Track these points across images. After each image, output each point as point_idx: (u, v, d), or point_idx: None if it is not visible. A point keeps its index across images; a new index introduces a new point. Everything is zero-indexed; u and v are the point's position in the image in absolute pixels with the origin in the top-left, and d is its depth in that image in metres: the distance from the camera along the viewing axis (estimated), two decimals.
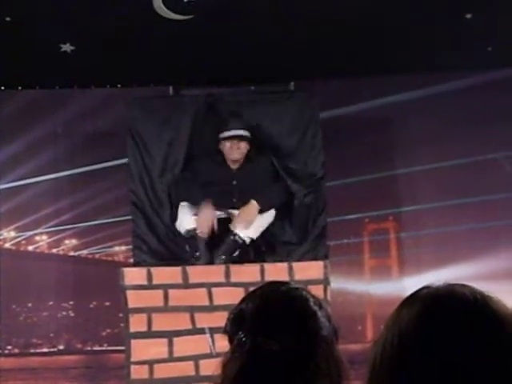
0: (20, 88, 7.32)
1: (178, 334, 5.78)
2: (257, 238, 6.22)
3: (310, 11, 6.31)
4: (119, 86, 7.19)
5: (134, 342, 5.81)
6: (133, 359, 5.79)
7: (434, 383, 1.15)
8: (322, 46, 6.58)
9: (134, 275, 5.89)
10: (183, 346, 5.77)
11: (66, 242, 18.70)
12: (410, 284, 13.00)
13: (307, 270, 5.87)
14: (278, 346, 1.70)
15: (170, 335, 5.78)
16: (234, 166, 6.19)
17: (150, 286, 5.83)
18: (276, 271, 5.82)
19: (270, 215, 6.21)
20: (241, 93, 6.73)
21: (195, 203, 6.06)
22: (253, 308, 1.78)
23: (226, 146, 6.15)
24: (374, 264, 17.06)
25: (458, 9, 6.43)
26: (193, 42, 6.48)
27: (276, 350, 1.70)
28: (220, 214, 6.15)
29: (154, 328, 5.80)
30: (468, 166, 12.41)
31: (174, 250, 6.35)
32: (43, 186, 14.77)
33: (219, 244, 6.07)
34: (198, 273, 5.87)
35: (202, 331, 5.73)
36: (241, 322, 1.77)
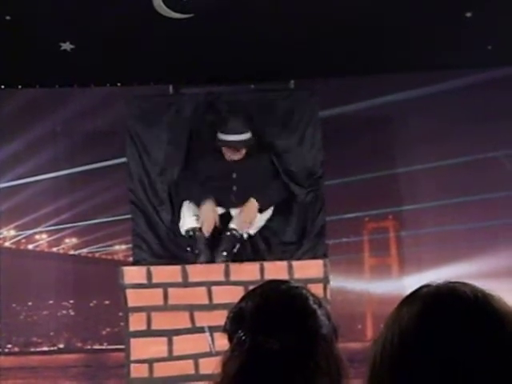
0: (20, 87, 7.32)
1: (178, 332, 5.79)
2: (256, 237, 6.22)
3: (310, 11, 6.31)
4: (119, 84, 7.19)
5: (133, 340, 5.81)
6: (132, 358, 5.79)
7: (435, 382, 1.15)
8: (321, 45, 6.58)
9: (133, 274, 5.89)
10: (183, 344, 5.77)
11: (66, 240, 18.68)
12: (410, 283, 13.00)
13: (307, 269, 5.88)
14: (278, 345, 1.70)
15: (169, 334, 5.78)
16: (235, 158, 6.18)
17: (149, 285, 5.83)
18: (276, 270, 5.82)
19: (269, 212, 6.21)
20: (241, 91, 6.73)
21: (197, 202, 6.07)
22: (252, 306, 1.77)
23: (225, 149, 6.15)
24: (374, 263, 17.04)
25: (457, 7, 6.43)
26: (193, 41, 6.48)
27: (276, 349, 1.70)
28: (221, 209, 6.17)
29: (154, 327, 5.80)
30: (468, 165, 12.40)
31: (174, 248, 6.35)
32: (43, 185, 14.75)
33: (219, 241, 6.08)
34: (198, 271, 5.87)
35: (201, 330, 5.74)
36: (240, 320, 1.77)
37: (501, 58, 7.04)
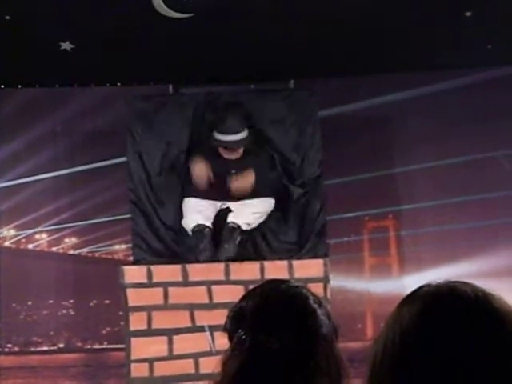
0: (20, 86, 7.32)
1: (178, 331, 5.79)
2: (257, 237, 6.23)
3: (310, 11, 6.31)
4: (119, 84, 7.19)
5: (134, 340, 5.81)
6: (133, 357, 5.80)
7: (435, 381, 1.15)
8: (321, 45, 6.58)
9: (133, 273, 5.90)
10: (183, 343, 5.78)
11: (66, 240, 18.69)
12: (410, 282, 13.00)
13: (307, 268, 5.88)
14: (278, 344, 1.70)
15: (169, 333, 5.79)
16: (232, 157, 6.19)
17: (149, 284, 5.84)
18: (276, 269, 5.83)
19: (267, 203, 6.20)
20: (240, 91, 6.73)
21: (197, 195, 6.10)
22: (253, 306, 1.78)
23: (221, 149, 6.15)
24: (374, 262, 17.05)
25: (457, 7, 6.42)
26: (193, 41, 6.48)
27: (276, 348, 1.70)
28: (221, 204, 6.18)
29: (154, 326, 5.80)
30: (467, 165, 12.41)
31: (174, 248, 6.35)
32: (43, 185, 14.76)
33: (220, 237, 6.10)
34: (198, 271, 5.88)
35: (201, 329, 5.74)
36: (241, 319, 1.77)
37: (501, 58, 7.04)
